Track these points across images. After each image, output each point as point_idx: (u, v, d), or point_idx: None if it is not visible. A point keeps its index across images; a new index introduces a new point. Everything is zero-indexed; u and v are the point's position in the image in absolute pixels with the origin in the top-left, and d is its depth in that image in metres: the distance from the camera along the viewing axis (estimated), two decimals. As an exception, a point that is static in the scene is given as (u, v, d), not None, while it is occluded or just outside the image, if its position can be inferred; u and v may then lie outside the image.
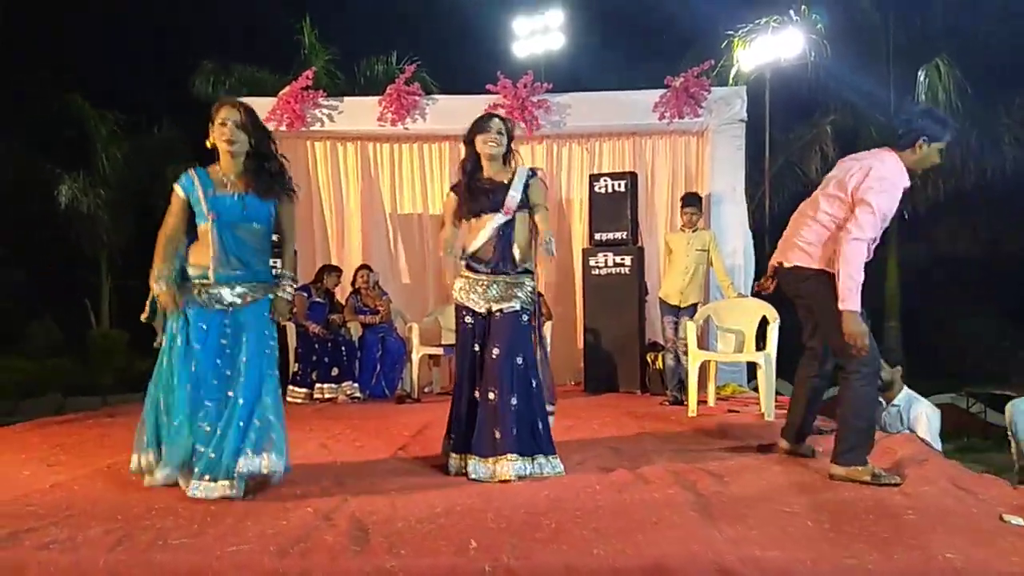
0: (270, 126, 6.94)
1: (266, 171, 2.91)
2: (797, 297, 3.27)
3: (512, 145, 3.23)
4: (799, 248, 3.14)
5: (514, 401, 3.03)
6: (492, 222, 3.14)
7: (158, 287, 2.82)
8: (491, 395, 3.03)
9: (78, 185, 11.94)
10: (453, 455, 3.14)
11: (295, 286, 3.07)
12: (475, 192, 3.17)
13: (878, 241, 3.01)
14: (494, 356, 3.06)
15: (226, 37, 13.70)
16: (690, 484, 2.84)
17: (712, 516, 2.42)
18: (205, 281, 2.84)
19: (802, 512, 2.48)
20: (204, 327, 2.81)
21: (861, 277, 2.90)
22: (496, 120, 3.20)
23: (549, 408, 3.24)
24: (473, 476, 2.98)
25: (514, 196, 3.14)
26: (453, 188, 3.30)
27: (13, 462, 3.34)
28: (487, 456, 2.99)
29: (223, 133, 2.82)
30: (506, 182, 3.17)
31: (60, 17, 14.21)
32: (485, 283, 3.17)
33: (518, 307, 3.15)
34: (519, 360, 3.09)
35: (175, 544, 2.17)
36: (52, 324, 12.08)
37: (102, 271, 13.19)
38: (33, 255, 13.04)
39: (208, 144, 2.91)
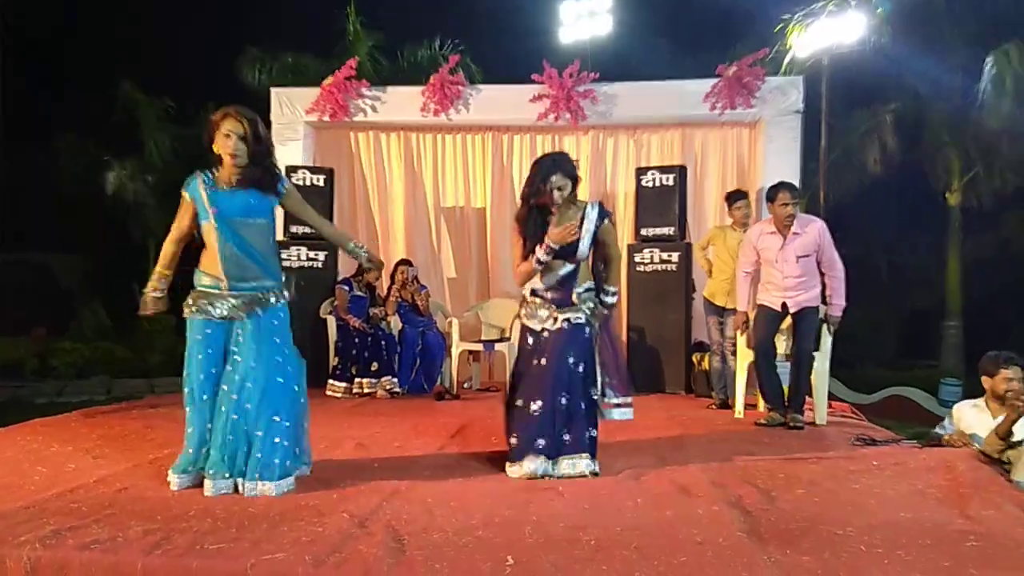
0: (313, 116, 7.06)
1: (264, 171, 2.96)
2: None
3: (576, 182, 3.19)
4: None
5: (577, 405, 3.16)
6: (560, 270, 3.19)
7: (147, 297, 2.99)
8: (562, 400, 3.13)
9: (126, 172, 12.25)
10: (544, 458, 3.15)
11: (364, 250, 3.20)
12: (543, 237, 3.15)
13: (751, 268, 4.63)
14: (569, 364, 3.15)
15: (271, 23, 13.82)
16: (737, 500, 2.73)
17: (761, 538, 2.32)
18: (216, 291, 2.90)
19: (855, 534, 2.36)
20: (209, 332, 2.89)
21: None
22: (552, 177, 3.10)
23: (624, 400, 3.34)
24: (539, 472, 3.09)
25: (583, 251, 3.16)
26: (518, 219, 3.26)
27: (60, 454, 3.41)
28: (554, 457, 3.12)
29: (227, 145, 2.88)
30: (575, 240, 3.11)
31: (106, 5, 14.52)
32: (548, 307, 3.23)
33: (583, 318, 3.19)
34: (584, 369, 3.18)
35: (212, 549, 2.17)
36: (100, 309, 12.44)
37: (149, 256, 13.56)
38: (85, 241, 13.46)
39: (212, 148, 2.95)
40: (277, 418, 2.85)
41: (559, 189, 3.09)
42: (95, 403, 6.04)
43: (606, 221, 3.19)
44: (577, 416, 3.13)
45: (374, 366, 5.72)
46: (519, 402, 3.19)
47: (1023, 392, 3.76)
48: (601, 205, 3.23)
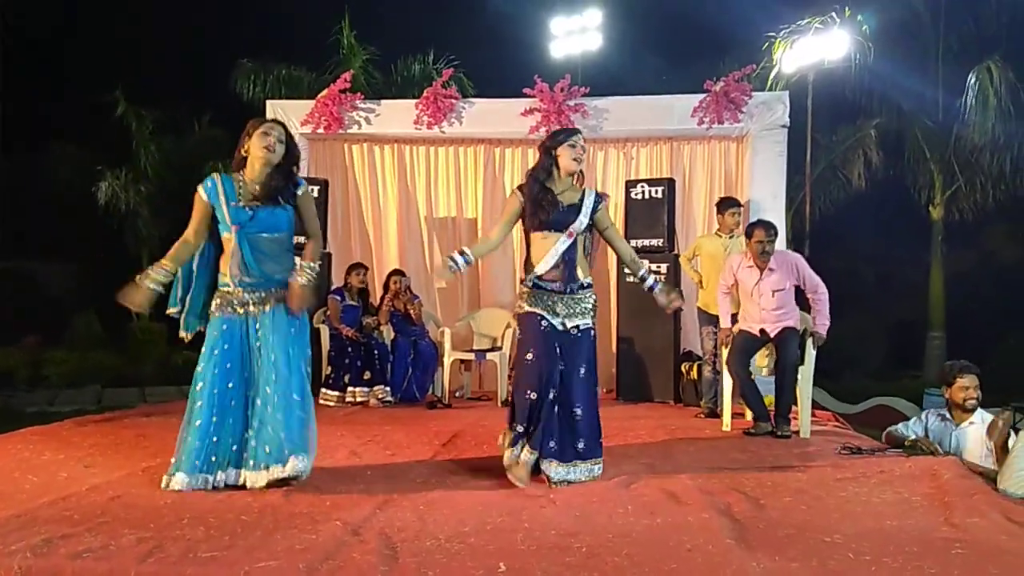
0: (307, 128, 7.10)
1: (285, 180, 3.05)
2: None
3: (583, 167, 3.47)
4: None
5: (589, 414, 3.28)
6: (558, 244, 3.23)
7: (140, 281, 3.03)
8: (578, 411, 3.22)
9: (119, 182, 12.21)
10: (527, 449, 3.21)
11: (313, 275, 3.08)
12: (543, 205, 3.25)
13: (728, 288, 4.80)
14: (581, 375, 3.24)
15: (264, 36, 13.86)
16: (725, 507, 2.76)
17: (750, 545, 2.34)
18: (229, 289, 3.01)
19: (843, 542, 2.39)
20: (225, 328, 2.98)
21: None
22: (581, 136, 3.32)
23: None
24: (556, 478, 3.15)
25: (582, 221, 3.28)
26: (520, 189, 3.35)
27: (52, 462, 3.40)
28: (569, 461, 3.20)
29: (265, 140, 2.98)
30: (576, 202, 3.29)
31: (101, 15, 14.52)
32: (555, 298, 3.27)
33: (591, 323, 3.31)
34: (594, 376, 3.32)
35: (205, 557, 2.17)
36: (94, 317, 12.36)
37: (143, 266, 13.46)
38: (77, 250, 13.36)
39: (243, 152, 3.05)
40: (297, 396, 2.99)
41: (583, 150, 3.28)
42: (86, 412, 6.00)
43: (602, 205, 3.35)
44: (589, 422, 3.25)
45: (367, 375, 5.73)
46: (528, 393, 3.18)
47: (979, 398, 3.87)
48: (597, 192, 3.41)
